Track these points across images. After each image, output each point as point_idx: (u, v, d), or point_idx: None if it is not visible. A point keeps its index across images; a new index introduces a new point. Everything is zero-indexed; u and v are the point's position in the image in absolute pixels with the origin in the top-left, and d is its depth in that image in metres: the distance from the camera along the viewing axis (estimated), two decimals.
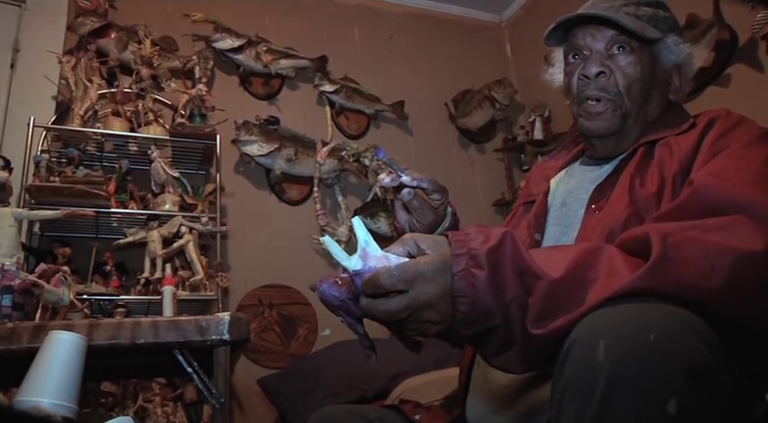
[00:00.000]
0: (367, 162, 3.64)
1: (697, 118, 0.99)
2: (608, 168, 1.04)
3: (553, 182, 1.14)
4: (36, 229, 2.47)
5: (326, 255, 3.02)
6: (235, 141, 2.89)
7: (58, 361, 1.26)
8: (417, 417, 1.05)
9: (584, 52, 1.05)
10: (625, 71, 1.01)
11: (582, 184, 1.06)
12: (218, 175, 2.79)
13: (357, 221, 0.70)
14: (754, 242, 0.66)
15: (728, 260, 0.65)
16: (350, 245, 2.96)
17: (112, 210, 2.47)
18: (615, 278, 0.64)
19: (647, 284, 0.63)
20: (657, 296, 0.63)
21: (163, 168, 2.58)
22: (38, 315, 1.75)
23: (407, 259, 0.69)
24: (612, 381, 0.56)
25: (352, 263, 0.68)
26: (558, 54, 1.15)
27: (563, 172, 1.15)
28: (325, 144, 3.09)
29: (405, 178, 1.01)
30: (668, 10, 1.07)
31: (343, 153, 3.02)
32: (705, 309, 0.63)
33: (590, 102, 1.03)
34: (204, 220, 2.61)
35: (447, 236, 0.70)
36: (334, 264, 0.69)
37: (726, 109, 0.96)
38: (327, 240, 0.69)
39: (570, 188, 1.08)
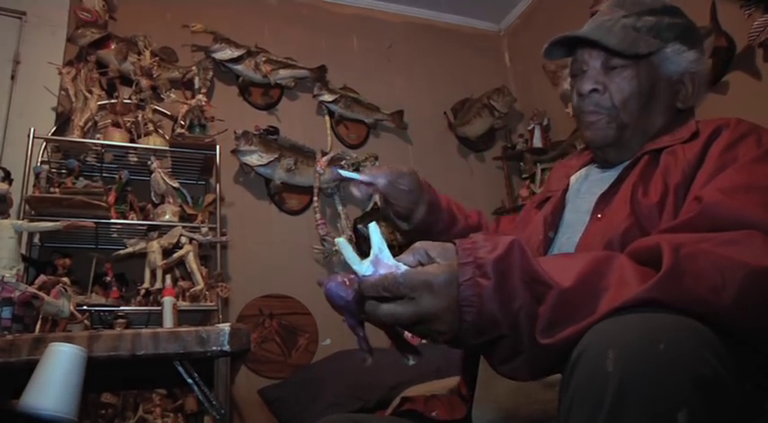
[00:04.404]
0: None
1: (701, 126, 0.98)
2: (612, 174, 1.04)
3: (573, 178, 1.15)
4: (36, 239, 2.47)
5: (327, 264, 3.02)
6: (234, 151, 2.89)
7: (57, 373, 1.26)
8: (434, 413, 1.04)
9: (584, 68, 1.07)
10: (620, 86, 1.03)
11: (590, 187, 1.07)
12: (217, 186, 2.79)
13: (374, 227, 0.70)
14: (767, 258, 0.66)
15: (740, 275, 0.64)
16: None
17: (112, 220, 2.46)
18: (625, 288, 0.64)
19: (656, 295, 0.62)
20: (667, 307, 0.62)
21: (163, 179, 2.59)
22: (37, 327, 1.74)
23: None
24: (622, 390, 0.56)
25: (363, 268, 0.68)
26: (567, 71, 1.17)
27: (582, 170, 1.16)
28: (324, 154, 3.09)
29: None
30: (678, 14, 1.06)
31: (343, 162, 3.06)
32: (715, 323, 0.62)
33: (585, 114, 1.07)
34: (204, 230, 2.60)
35: (455, 243, 0.70)
36: (334, 272, 0.70)
37: (737, 118, 0.95)
38: (342, 243, 0.69)
39: (582, 189, 1.09)
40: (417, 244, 0.72)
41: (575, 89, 1.08)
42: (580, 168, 1.17)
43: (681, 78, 1.05)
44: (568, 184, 1.14)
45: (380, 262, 0.68)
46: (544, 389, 0.86)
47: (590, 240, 0.93)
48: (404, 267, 0.68)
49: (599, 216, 0.97)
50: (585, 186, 1.09)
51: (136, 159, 2.64)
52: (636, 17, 1.04)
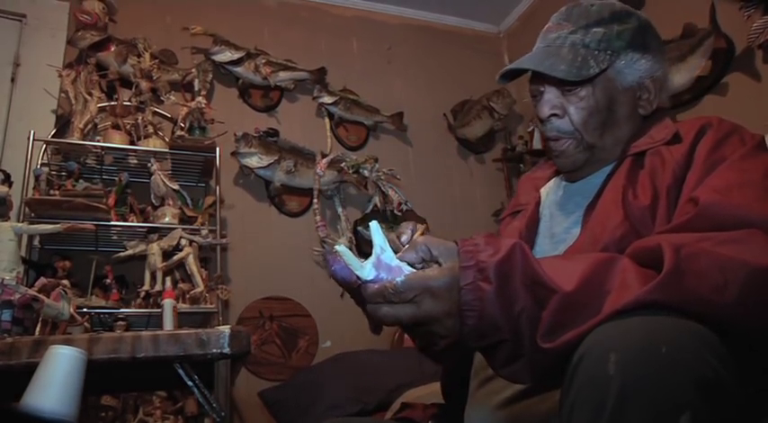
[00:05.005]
0: (366, 173, 3.65)
1: (682, 126, 0.96)
2: (595, 182, 1.02)
3: (543, 191, 1.13)
4: (36, 242, 2.47)
5: (326, 266, 3.01)
6: (234, 154, 2.89)
7: (57, 376, 1.25)
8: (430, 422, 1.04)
9: (541, 89, 1.04)
10: (578, 107, 1.00)
11: (571, 197, 1.05)
12: (217, 188, 2.79)
13: (375, 226, 0.69)
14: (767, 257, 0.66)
15: (742, 274, 0.64)
16: None
17: (112, 223, 2.46)
18: (627, 291, 0.63)
19: (658, 297, 0.62)
20: (669, 309, 0.62)
21: (162, 181, 2.59)
22: (37, 329, 1.74)
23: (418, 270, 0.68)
24: (624, 394, 0.55)
25: (365, 272, 0.67)
26: None
27: (552, 181, 1.14)
28: (324, 156, 3.09)
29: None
30: (627, 19, 1.02)
31: (343, 164, 3.06)
32: (717, 322, 0.62)
33: (551, 142, 1.04)
34: (204, 232, 2.61)
35: (457, 243, 0.69)
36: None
37: (717, 117, 0.94)
38: (343, 249, 0.69)
39: (558, 200, 1.07)
40: (420, 239, 0.71)
41: (536, 113, 1.05)
42: (548, 180, 1.15)
43: (640, 84, 1.02)
44: (539, 198, 1.11)
45: (382, 263, 0.67)
46: (542, 399, 0.85)
47: (579, 245, 0.91)
48: (407, 268, 0.68)
49: (590, 223, 0.95)
50: (566, 196, 1.06)
51: (136, 161, 2.64)
52: (584, 31, 1.00)
